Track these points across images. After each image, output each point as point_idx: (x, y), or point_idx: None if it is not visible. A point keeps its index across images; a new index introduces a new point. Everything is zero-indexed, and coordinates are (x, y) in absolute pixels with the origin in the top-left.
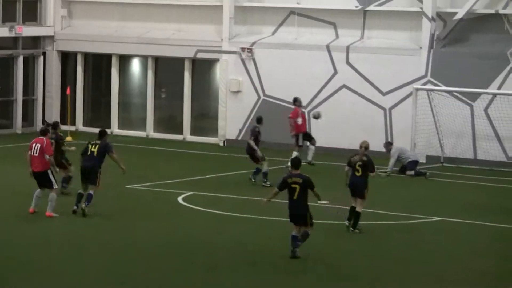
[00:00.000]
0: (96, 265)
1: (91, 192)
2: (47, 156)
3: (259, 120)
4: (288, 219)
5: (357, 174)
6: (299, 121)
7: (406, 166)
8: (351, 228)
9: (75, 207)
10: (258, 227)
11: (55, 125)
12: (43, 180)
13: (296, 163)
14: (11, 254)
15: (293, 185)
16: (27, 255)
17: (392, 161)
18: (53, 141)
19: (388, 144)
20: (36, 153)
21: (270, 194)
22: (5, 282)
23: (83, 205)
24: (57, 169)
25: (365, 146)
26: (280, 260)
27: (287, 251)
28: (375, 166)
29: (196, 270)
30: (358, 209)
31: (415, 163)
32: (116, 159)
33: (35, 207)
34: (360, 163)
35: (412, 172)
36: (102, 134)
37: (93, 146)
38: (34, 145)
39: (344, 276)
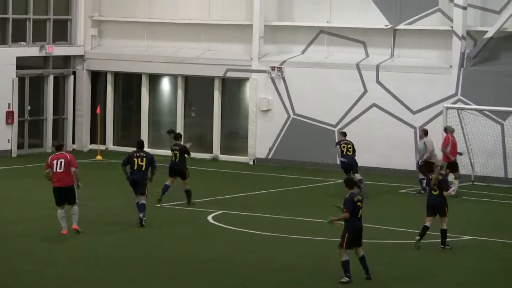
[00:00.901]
0: (124, 283)
1: (144, 202)
2: (74, 169)
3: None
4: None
5: (434, 193)
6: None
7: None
8: (441, 246)
9: (142, 220)
10: (288, 246)
11: (177, 136)
12: (68, 195)
13: None
14: (56, 272)
15: None
16: (70, 272)
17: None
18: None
19: (424, 133)
20: (61, 168)
21: None
22: None
23: (141, 216)
24: (79, 184)
25: (440, 166)
26: (309, 278)
27: (316, 270)
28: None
29: None
30: (444, 226)
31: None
32: (153, 175)
33: (65, 227)
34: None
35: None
36: (142, 145)
37: (140, 160)
38: (56, 161)
39: None
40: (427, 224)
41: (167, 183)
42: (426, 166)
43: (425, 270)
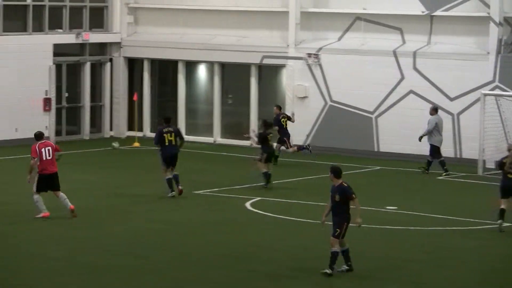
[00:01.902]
0: (159, 269)
1: (177, 173)
2: (58, 154)
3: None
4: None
5: (510, 177)
6: None
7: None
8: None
9: (172, 193)
10: (326, 233)
11: (269, 125)
12: (54, 182)
13: None
14: (102, 260)
15: None
16: (106, 259)
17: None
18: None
19: (434, 110)
20: (49, 156)
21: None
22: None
23: (180, 187)
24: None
25: None
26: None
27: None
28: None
29: (257, 277)
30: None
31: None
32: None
33: (45, 209)
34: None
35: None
36: (169, 120)
37: (169, 135)
38: (44, 149)
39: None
40: (503, 206)
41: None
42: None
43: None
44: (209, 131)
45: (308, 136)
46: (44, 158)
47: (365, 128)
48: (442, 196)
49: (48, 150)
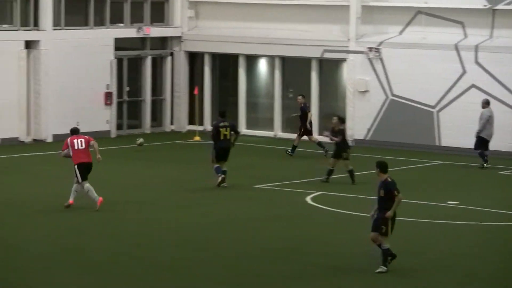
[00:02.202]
0: (222, 262)
1: (225, 169)
2: (92, 142)
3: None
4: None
5: None
6: None
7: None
8: None
9: (222, 177)
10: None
11: (343, 120)
12: (89, 170)
13: None
14: (161, 254)
15: None
16: (162, 252)
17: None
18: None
19: (486, 103)
20: (82, 146)
21: None
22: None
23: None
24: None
25: None
26: (410, 261)
27: (419, 253)
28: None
29: (318, 271)
30: None
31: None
32: (236, 140)
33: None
34: None
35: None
36: (224, 114)
37: (225, 129)
38: (76, 141)
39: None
40: None
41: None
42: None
43: None
44: (269, 125)
45: (369, 130)
46: (76, 148)
47: (426, 122)
48: (504, 191)
49: (81, 141)
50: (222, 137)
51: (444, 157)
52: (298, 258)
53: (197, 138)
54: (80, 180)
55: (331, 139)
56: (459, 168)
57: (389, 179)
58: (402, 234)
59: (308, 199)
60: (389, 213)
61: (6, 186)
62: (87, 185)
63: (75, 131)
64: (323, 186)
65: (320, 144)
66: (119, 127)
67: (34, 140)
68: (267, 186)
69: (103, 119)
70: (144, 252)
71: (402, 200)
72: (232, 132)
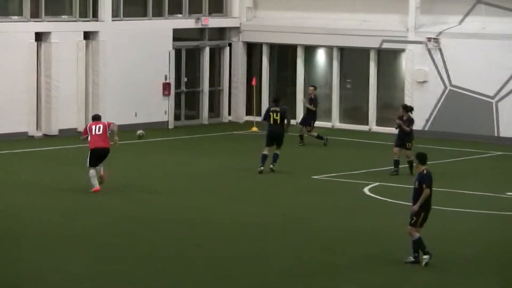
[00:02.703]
0: (283, 253)
1: (278, 152)
2: (112, 126)
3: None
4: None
5: None
6: None
7: None
8: None
9: (261, 168)
10: (442, 219)
11: (409, 109)
12: (104, 156)
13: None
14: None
15: None
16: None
17: None
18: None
19: None
20: (99, 131)
21: None
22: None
23: (272, 165)
24: (116, 138)
25: None
26: (468, 251)
27: (475, 243)
28: None
29: (374, 262)
30: None
31: None
32: (287, 125)
33: (96, 184)
34: None
35: None
36: (278, 100)
37: (275, 114)
38: (94, 126)
39: None
40: None
41: None
42: None
43: None
44: (327, 116)
45: (427, 121)
46: (94, 133)
47: (485, 113)
48: None
49: (99, 127)
50: (272, 121)
51: (503, 148)
52: (354, 248)
53: (254, 129)
54: (88, 164)
55: (403, 128)
56: None
57: (425, 171)
58: (459, 225)
59: (366, 190)
60: (414, 207)
61: (72, 177)
62: (91, 171)
63: (95, 118)
64: (381, 177)
65: (319, 137)
66: (177, 118)
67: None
68: (325, 176)
69: (161, 110)
70: (210, 243)
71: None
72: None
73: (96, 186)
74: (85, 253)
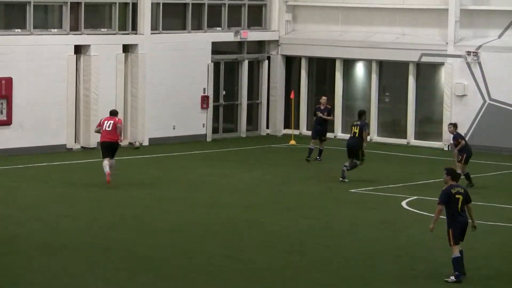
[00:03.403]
0: (320, 266)
1: (356, 162)
2: (119, 125)
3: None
4: None
5: None
6: None
7: None
8: None
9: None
10: (483, 233)
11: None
12: (112, 149)
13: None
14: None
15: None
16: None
17: None
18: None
19: None
20: (109, 128)
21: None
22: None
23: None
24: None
25: None
26: (504, 266)
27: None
28: None
29: (414, 277)
30: None
31: None
32: (365, 139)
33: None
34: None
35: None
36: (361, 114)
37: (355, 127)
38: (106, 122)
39: None
40: None
41: None
42: None
43: None
44: None
45: (466, 134)
46: (104, 128)
47: None
48: None
49: (110, 123)
50: (352, 134)
51: None
52: (396, 263)
53: (292, 142)
54: (102, 156)
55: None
56: None
57: (445, 187)
58: (497, 240)
59: (404, 203)
60: (431, 226)
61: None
62: (111, 161)
63: (112, 113)
64: (419, 191)
65: (320, 152)
66: (215, 130)
67: (130, 143)
68: (363, 190)
69: (199, 122)
70: (243, 254)
71: (497, 205)
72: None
73: (107, 171)
74: (124, 264)
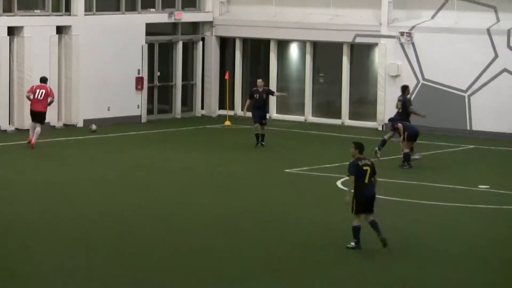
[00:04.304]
0: (257, 246)
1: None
2: (51, 99)
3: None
4: None
5: None
6: None
7: None
8: None
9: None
10: (414, 212)
11: (403, 88)
12: (40, 117)
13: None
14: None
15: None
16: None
17: None
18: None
19: None
20: (41, 97)
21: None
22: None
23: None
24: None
25: None
26: (431, 241)
27: (438, 234)
28: None
29: (347, 256)
30: None
31: None
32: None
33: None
34: None
35: None
36: (404, 88)
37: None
38: (38, 90)
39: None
40: None
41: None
42: None
43: None
44: (300, 110)
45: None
46: (36, 97)
47: (457, 106)
48: None
49: (42, 92)
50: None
51: (475, 142)
52: (330, 242)
53: (227, 123)
54: (31, 120)
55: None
56: (491, 152)
57: (351, 161)
58: (432, 218)
59: (339, 183)
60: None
61: (46, 170)
62: (38, 128)
63: (42, 80)
64: None
65: (262, 137)
66: (150, 112)
67: (65, 125)
68: (297, 170)
69: (134, 104)
70: (183, 237)
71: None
72: None
73: (30, 136)
74: (58, 246)
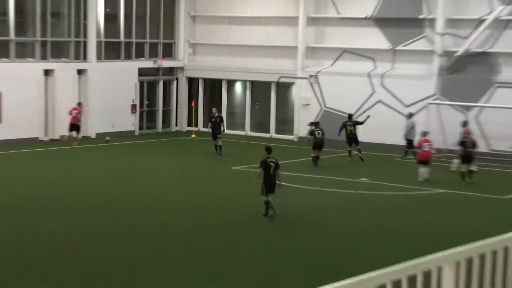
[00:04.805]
0: (210, 229)
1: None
2: (79, 116)
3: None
4: None
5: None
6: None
7: None
8: None
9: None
10: (324, 197)
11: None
12: (76, 128)
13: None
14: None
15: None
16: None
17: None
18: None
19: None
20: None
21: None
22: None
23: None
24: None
25: None
26: (339, 220)
27: (341, 216)
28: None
29: (260, 239)
30: None
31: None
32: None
33: None
34: None
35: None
36: (351, 116)
37: (351, 126)
38: (73, 111)
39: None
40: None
41: None
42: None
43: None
44: (242, 126)
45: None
46: (72, 115)
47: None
48: (405, 173)
49: (75, 112)
50: (348, 132)
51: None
52: (243, 228)
53: (193, 135)
54: (69, 129)
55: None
56: (373, 157)
57: (263, 159)
58: (325, 201)
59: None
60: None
61: (73, 166)
62: (74, 133)
63: (78, 104)
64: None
65: (220, 147)
66: (141, 127)
67: (83, 137)
68: (240, 168)
69: (130, 122)
70: (141, 225)
71: (326, 177)
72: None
73: (66, 135)
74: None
